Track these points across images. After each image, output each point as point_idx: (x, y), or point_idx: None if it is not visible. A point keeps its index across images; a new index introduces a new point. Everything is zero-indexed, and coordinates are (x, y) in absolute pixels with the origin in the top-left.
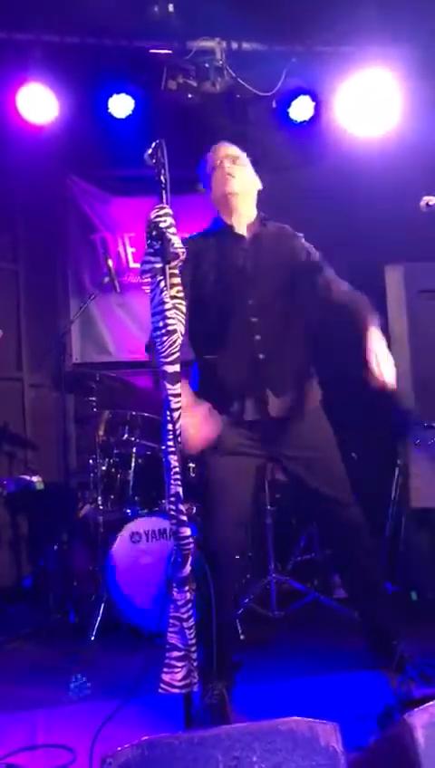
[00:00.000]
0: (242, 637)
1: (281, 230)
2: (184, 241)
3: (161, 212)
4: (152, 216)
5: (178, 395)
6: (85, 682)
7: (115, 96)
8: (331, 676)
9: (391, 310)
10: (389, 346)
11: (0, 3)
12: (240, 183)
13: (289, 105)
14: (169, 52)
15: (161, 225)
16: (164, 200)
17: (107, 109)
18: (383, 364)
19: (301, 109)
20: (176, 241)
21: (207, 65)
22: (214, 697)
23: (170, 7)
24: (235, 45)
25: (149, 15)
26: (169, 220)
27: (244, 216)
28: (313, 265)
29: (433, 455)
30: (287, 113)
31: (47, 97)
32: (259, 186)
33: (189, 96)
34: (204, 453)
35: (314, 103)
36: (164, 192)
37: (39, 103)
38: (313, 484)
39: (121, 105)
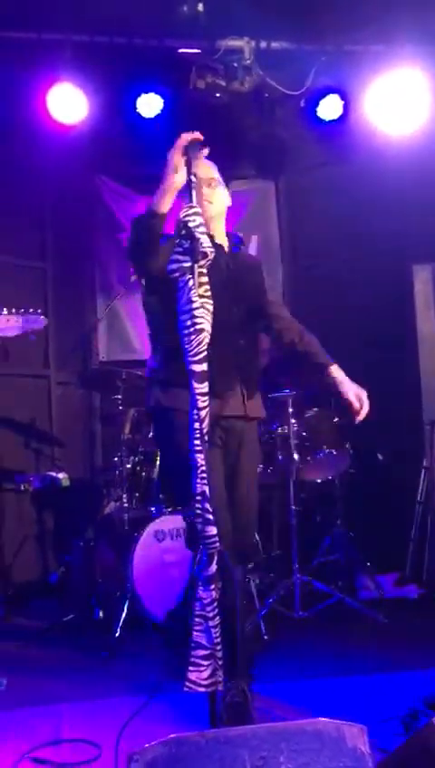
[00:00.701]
0: (266, 637)
1: (251, 257)
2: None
3: (190, 211)
4: (182, 216)
5: (205, 394)
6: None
7: (144, 95)
8: (355, 677)
9: (419, 309)
10: (416, 345)
11: (30, 3)
12: (216, 207)
13: (317, 104)
14: (198, 51)
15: (190, 224)
16: (193, 200)
17: (135, 108)
18: (365, 402)
19: (329, 108)
20: (205, 240)
21: (235, 64)
22: (236, 695)
23: (200, 6)
24: (263, 44)
25: (178, 15)
26: (199, 219)
27: (219, 234)
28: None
29: None
30: (316, 112)
31: (77, 97)
32: (229, 202)
33: (218, 95)
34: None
35: (342, 102)
36: (194, 191)
37: (69, 103)
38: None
39: (150, 104)
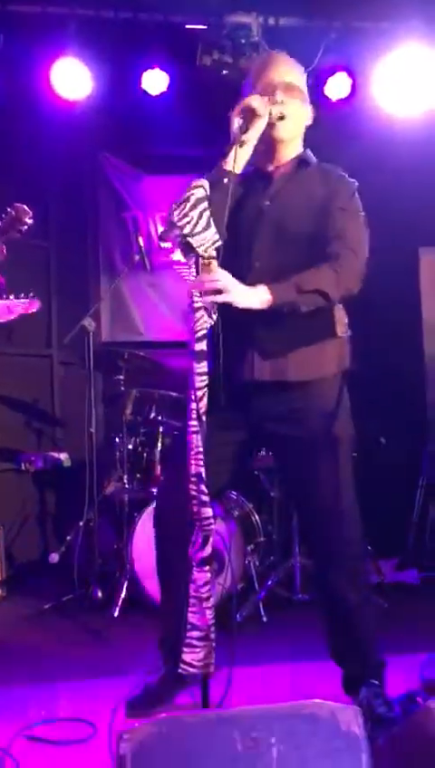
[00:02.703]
0: (265, 619)
1: (325, 174)
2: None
3: (193, 184)
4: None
5: (204, 373)
6: None
7: (149, 72)
8: None
9: (424, 292)
10: (421, 329)
11: None
12: (287, 129)
13: (325, 83)
14: (205, 27)
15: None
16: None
17: (141, 85)
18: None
19: (337, 86)
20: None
21: (243, 41)
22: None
23: None
24: (271, 21)
25: None
26: (196, 194)
27: (283, 160)
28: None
29: None
30: (323, 91)
31: (81, 72)
32: (310, 120)
33: (224, 72)
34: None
35: (350, 81)
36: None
37: (73, 78)
38: (292, 474)
39: (156, 81)
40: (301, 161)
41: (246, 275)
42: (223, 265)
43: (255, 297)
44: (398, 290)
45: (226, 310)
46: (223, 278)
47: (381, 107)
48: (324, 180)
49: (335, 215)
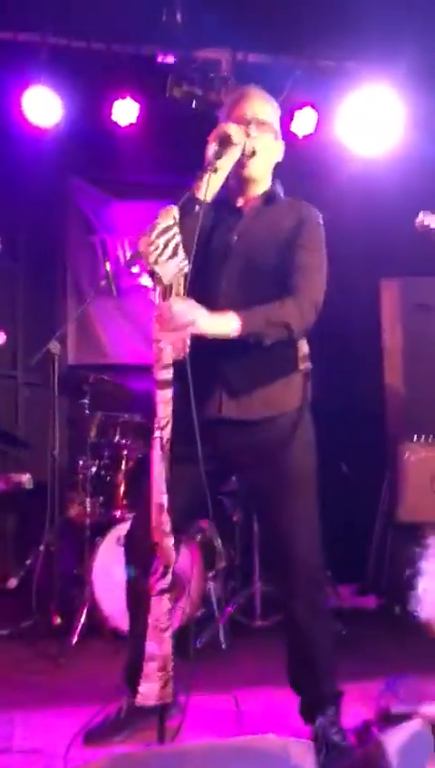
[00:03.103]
0: (224, 646)
1: (292, 208)
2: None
3: (162, 211)
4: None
5: (168, 401)
6: None
7: (120, 101)
8: None
9: (385, 323)
10: (382, 359)
11: (7, 3)
12: (257, 167)
13: (292, 118)
14: (175, 60)
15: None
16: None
17: (111, 113)
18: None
19: (303, 122)
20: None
21: (212, 75)
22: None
23: (178, 16)
24: (240, 56)
25: (157, 23)
26: (162, 224)
27: (252, 198)
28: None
29: (423, 469)
30: (289, 127)
31: (52, 99)
32: (280, 157)
33: (194, 104)
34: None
35: (316, 116)
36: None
37: (44, 105)
38: (258, 503)
39: (126, 110)
40: (269, 196)
41: (212, 309)
42: (189, 296)
43: (224, 324)
44: (360, 320)
45: (192, 343)
46: (189, 309)
47: (344, 143)
48: (291, 214)
49: (297, 249)
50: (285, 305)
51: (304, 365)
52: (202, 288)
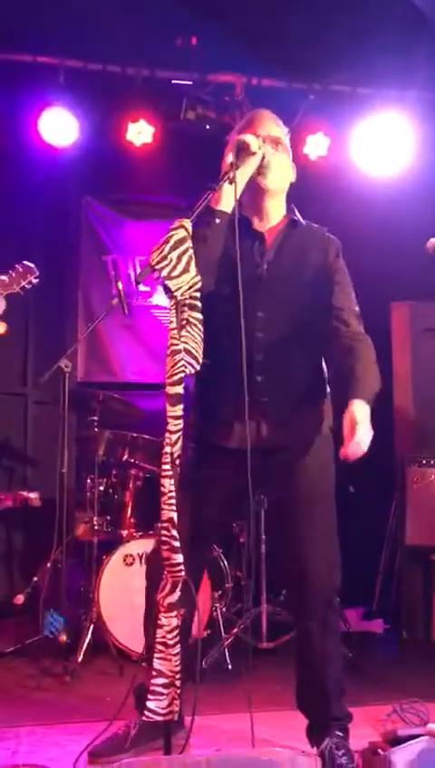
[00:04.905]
0: (229, 667)
1: (314, 236)
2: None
3: (175, 224)
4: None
5: (178, 417)
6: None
7: (134, 123)
8: None
9: (395, 347)
10: (392, 383)
11: (26, 27)
12: (275, 179)
13: (304, 143)
14: (190, 83)
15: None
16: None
17: (126, 135)
18: (358, 443)
19: (315, 146)
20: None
21: (226, 98)
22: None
23: (193, 41)
24: (254, 81)
25: (172, 47)
26: (177, 235)
27: (272, 216)
28: (331, 286)
29: (432, 492)
30: (301, 150)
31: (68, 121)
32: (293, 177)
33: (207, 127)
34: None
35: (328, 141)
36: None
37: (60, 126)
38: (286, 527)
39: (140, 132)
40: (291, 222)
41: (249, 344)
42: (214, 318)
43: (367, 422)
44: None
45: (221, 371)
46: (368, 434)
47: (356, 167)
48: (317, 243)
49: (334, 287)
50: (368, 353)
51: (328, 388)
52: (236, 318)
